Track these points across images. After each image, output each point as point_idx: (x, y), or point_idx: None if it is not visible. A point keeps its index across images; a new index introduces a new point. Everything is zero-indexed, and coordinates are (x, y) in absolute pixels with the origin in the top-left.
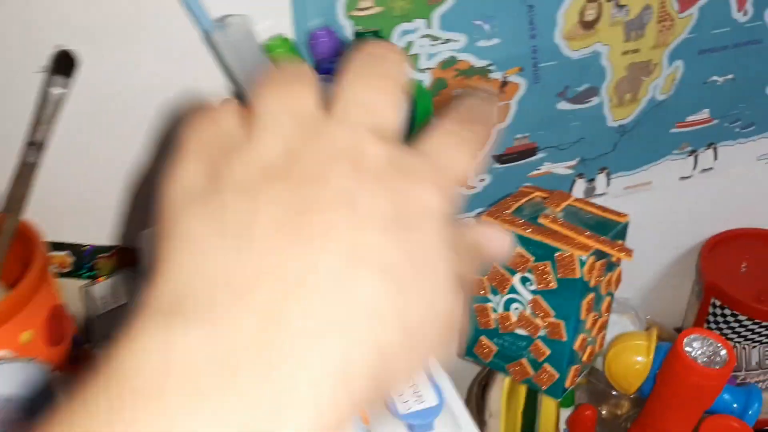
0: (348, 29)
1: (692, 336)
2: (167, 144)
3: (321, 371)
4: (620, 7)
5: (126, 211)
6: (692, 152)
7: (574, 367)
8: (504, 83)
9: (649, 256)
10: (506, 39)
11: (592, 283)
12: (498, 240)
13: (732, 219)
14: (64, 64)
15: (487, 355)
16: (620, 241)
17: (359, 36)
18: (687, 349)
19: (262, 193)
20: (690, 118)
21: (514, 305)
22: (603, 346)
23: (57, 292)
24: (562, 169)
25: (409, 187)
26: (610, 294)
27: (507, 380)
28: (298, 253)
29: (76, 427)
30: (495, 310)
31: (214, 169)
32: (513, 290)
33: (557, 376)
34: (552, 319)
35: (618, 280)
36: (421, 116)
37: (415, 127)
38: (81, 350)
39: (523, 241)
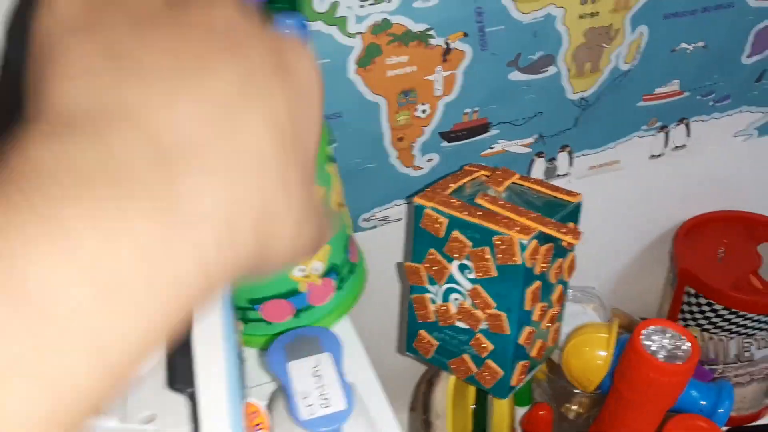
0: None
1: (651, 328)
2: None
3: (211, 202)
4: None
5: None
6: (662, 128)
7: (520, 364)
8: (447, 50)
9: (618, 242)
10: None
11: (536, 270)
12: None
13: (708, 201)
14: None
15: (427, 350)
16: (570, 224)
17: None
18: (646, 342)
19: (150, 27)
20: (658, 91)
21: (454, 295)
22: (558, 339)
23: None
24: (518, 147)
25: (289, 51)
26: (563, 282)
27: (452, 378)
28: (191, 85)
29: None
30: (434, 302)
31: (93, 2)
32: (451, 279)
33: (501, 373)
34: (493, 311)
35: (571, 267)
36: None
37: None
38: None
39: (460, 224)
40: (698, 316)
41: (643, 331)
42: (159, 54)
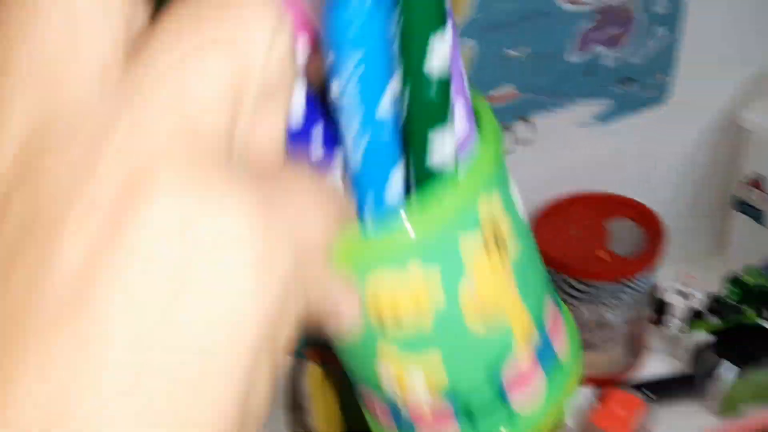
0: None
1: None
2: None
3: None
4: None
5: None
6: (507, 127)
7: None
8: None
9: None
10: None
11: None
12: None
13: (561, 186)
14: None
15: None
16: None
17: None
18: None
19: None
20: (495, 94)
21: None
22: None
23: None
24: None
25: None
26: None
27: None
28: None
29: None
30: None
31: None
32: None
33: None
34: None
35: None
36: None
37: None
38: None
39: None
40: (557, 290)
41: None
42: None
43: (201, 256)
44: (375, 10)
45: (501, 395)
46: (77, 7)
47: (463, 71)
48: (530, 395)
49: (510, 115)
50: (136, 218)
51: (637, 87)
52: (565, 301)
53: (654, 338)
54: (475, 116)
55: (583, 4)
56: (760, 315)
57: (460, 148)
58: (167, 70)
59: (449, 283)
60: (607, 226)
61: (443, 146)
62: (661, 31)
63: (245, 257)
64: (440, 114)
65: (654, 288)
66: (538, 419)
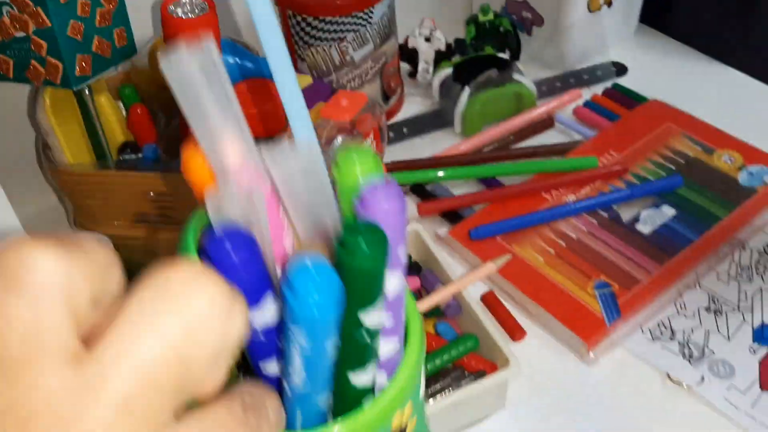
0: None
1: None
2: None
3: None
4: None
5: None
6: None
7: (80, 56)
8: None
9: None
10: None
11: None
12: None
13: None
14: None
15: (7, 70)
16: None
17: None
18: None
19: None
20: None
21: (5, 8)
22: (128, 41)
23: None
24: None
25: None
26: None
27: (47, 91)
28: None
29: None
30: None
31: None
32: None
33: (61, 65)
34: (33, 9)
35: None
36: None
37: None
38: None
39: None
40: (302, 34)
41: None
42: None
43: None
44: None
45: None
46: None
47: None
48: None
49: None
50: None
51: None
52: (309, 45)
53: (409, 86)
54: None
55: None
56: (495, 49)
57: (385, 368)
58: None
59: None
60: None
61: (365, 379)
62: None
63: None
64: (366, 357)
65: (392, 27)
66: None
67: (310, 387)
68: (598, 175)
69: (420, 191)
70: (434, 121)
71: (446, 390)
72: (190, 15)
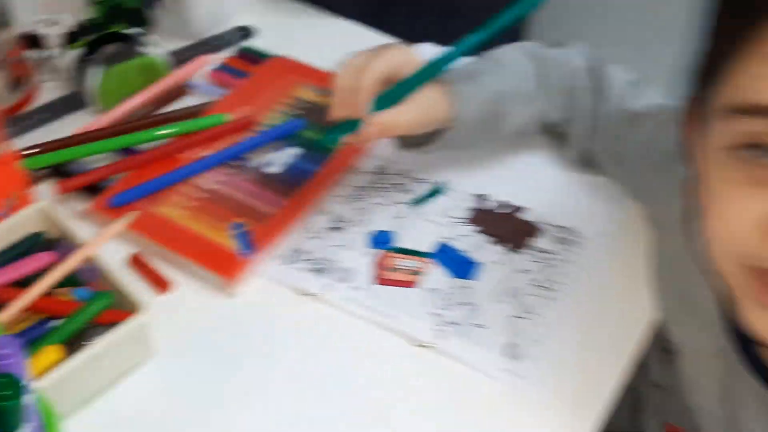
0: None
1: None
2: None
3: None
4: None
5: None
6: None
7: None
8: None
9: None
10: None
11: None
12: None
13: None
14: None
15: None
16: None
17: None
18: None
19: None
20: None
21: None
22: None
23: None
24: None
25: None
26: None
27: None
28: None
29: None
30: None
31: None
32: None
33: None
34: None
35: None
36: None
37: None
38: None
39: None
40: None
41: None
42: None
43: None
44: None
45: None
46: None
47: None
48: None
49: None
50: None
51: None
52: None
53: (42, 73)
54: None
55: None
56: (124, 25)
57: None
58: None
59: None
60: None
61: None
62: None
63: None
64: None
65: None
66: None
67: None
68: (228, 129)
69: (62, 172)
70: (73, 102)
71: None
72: None
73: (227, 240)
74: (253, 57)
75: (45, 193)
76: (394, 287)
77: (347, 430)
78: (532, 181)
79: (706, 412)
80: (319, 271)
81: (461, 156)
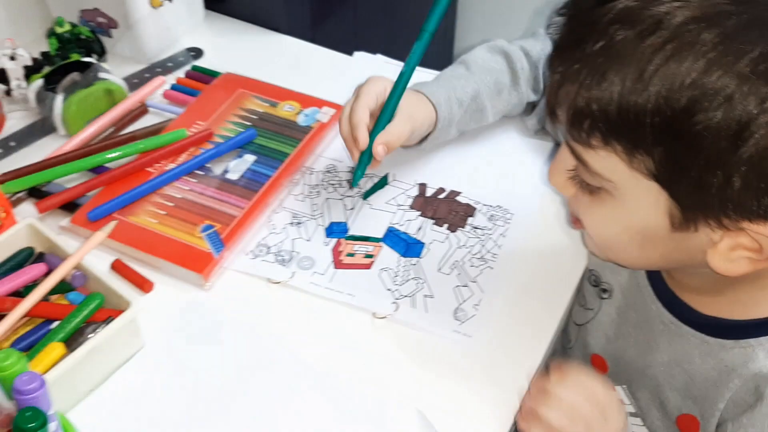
0: None
1: None
2: None
3: None
4: None
5: None
6: None
7: None
8: None
9: None
10: None
11: None
12: None
13: None
14: None
15: None
16: None
17: None
18: None
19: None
20: None
21: None
22: None
23: None
24: None
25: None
26: None
27: None
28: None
29: None
30: None
31: None
32: None
33: None
34: None
35: None
36: None
37: None
38: None
39: None
40: None
41: None
42: None
43: None
44: None
45: None
46: None
47: None
48: None
49: None
50: None
51: None
52: None
53: (7, 103)
54: None
55: None
56: (82, 54)
57: None
58: None
59: None
60: None
61: None
62: None
63: None
64: None
65: None
66: None
67: None
68: (188, 143)
69: (37, 193)
70: (39, 129)
71: (85, 342)
72: None
73: (199, 241)
74: (204, 75)
75: (24, 213)
76: (352, 270)
77: (321, 397)
78: (465, 169)
79: (623, 336)
80: (284, 261)
81: (401, 151)
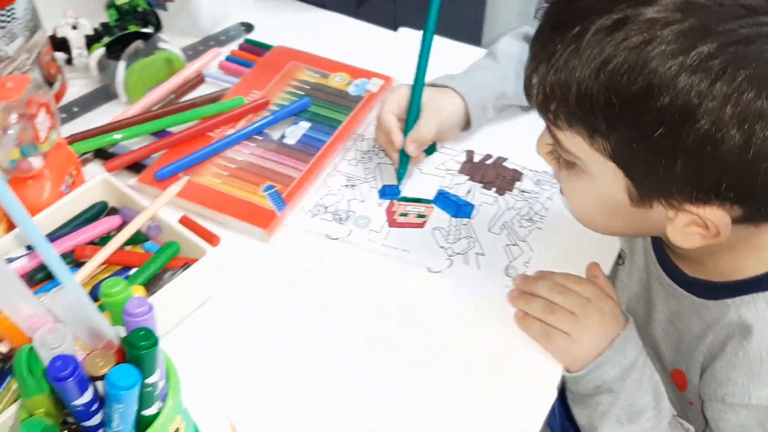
0: None
1: None
2: None
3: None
4: None
5: None
6: None
7: None
8: None
9: None
10: None
11: None
12: None
13: None
14: None
15: None
16: None
17: None
18: None
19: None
20: None
21: None
22: None
23: None
24: None
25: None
26: None
27: None
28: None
29: None
30: None
31: None
32: None
33: None
34: None
35: None
36: None
37: None
38: None
39: None
40: None
41: None
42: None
43: None
44: None
45: None
46: None
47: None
48: None
49: None
50: None
51: None
52: None
53: (69, 72)
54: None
55: None
56: (139, 26)
57: (161, 398)
58: None
59: None
60: None
61: (152, 410)
62: None
63: None
64: (152, 400)
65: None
66: None
67: (122, 427)
68: (247, 110)
69: (103, 155)
70: (100, 96)
71: (164, 285)
72: None
73: (262, 200)
74: (256, 48)
75: (92, 173)
76: (406, 228)
77: (375, 343)
78: (510, 136)
79: (635, 298)
80: (341, 219)
81: None
